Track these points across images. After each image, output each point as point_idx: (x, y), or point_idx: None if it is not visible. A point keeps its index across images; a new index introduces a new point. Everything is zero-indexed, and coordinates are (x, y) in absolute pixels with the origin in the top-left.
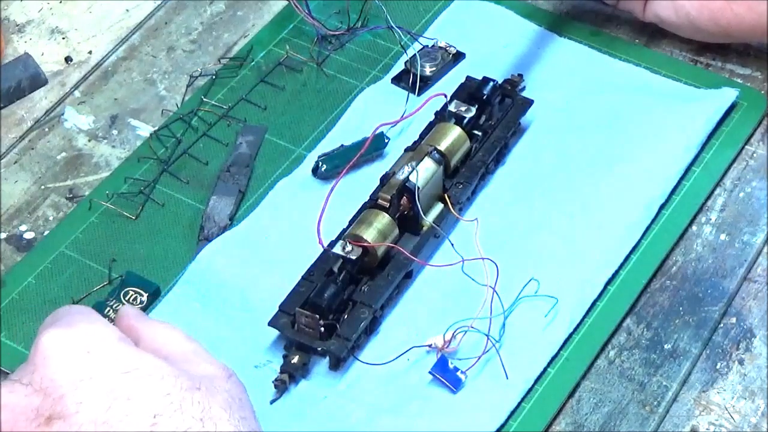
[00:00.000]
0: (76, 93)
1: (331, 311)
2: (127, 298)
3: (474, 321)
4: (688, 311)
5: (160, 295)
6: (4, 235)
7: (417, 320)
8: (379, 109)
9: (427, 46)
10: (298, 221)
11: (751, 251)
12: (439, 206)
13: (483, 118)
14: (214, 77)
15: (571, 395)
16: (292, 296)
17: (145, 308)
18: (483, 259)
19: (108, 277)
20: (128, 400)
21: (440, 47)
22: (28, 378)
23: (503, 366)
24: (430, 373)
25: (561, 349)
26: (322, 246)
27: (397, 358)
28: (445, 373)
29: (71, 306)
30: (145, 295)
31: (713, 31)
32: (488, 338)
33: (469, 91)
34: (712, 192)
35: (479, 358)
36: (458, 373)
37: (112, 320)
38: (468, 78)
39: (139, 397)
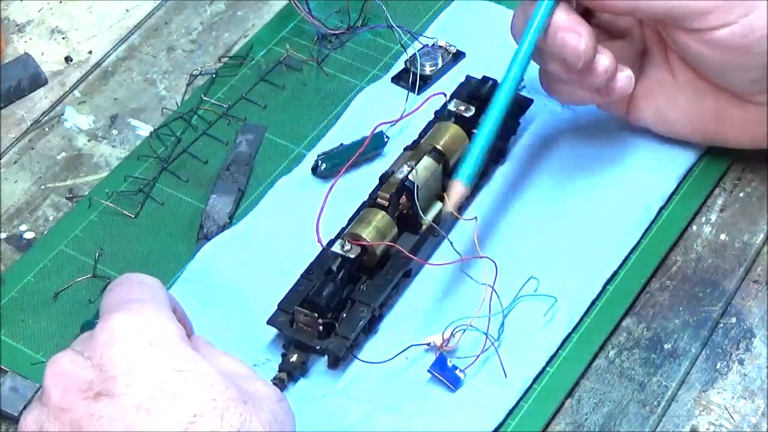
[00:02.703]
0: (76, 93)
1: (330, 310)
2: None
3: (473, 320)
4: (688, 311)
5: None
6: (4, 235)
7: (416, 319)
8: (379, 108)
9: (427, 45)
10: (297, 220)
11: (751, 251)
12: (439, 205)
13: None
14: (214, 76)
15: (570, 395)
16: (291, 295)
17: None
18: (482, 257)
19: (93, 271)
20: (173, 395)
21: (440, 46)
22: (89, 352)
23: (502, 365)
24: (428, 371)
25: (560, 348)
26: (321, 245)
27: (395, 356)
28: (444, 372)
29: (142, 278)
30: None
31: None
32: (487, 337)
33: (469, 90)
34: (712, 192)
35: (478, 356)
36: (457, 372)
37: None
38: (468, 77)
39: (184, 395)
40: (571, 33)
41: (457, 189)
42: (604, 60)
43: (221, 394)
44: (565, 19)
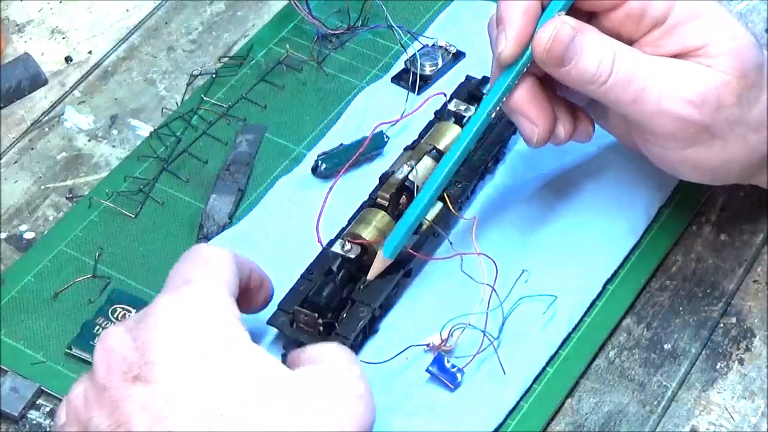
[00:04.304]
0: (76, 93)
1: (330, 310)
2: (115, 316)
3: (471, 319)
4: (688, 311)
5: None
6: (4, 235)
7: (416, 319)
8: (379, 108)
9: (427, 45)
10: (297, 220)
11: (751, 251)
12: (439, 205)
13: None
14: (214, 76)
15: (570, 395)
16: (291, 295)
17: None
18: (479, 254)
19: (93, 271)
20: (203, 390)
21: (440, 46)
22: (135, 333)
23: (501, 363)
24: (427, 371)
25: (560, 348)
26: (321, 245)
27: (394, 357)
28: (443, 371)
29: (209, 256)
30: (134, 311)
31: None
32: (485, 335)
33: (469, 90)
34: (712, 192)
35: (476, 354)
36: (455, 371)
37: None
38: (467, 77)
39: (214, 392)
40: (526, 121)
41: (378, 260)
42: (560, 131)
43: (258, 394)
44: (523, 102)
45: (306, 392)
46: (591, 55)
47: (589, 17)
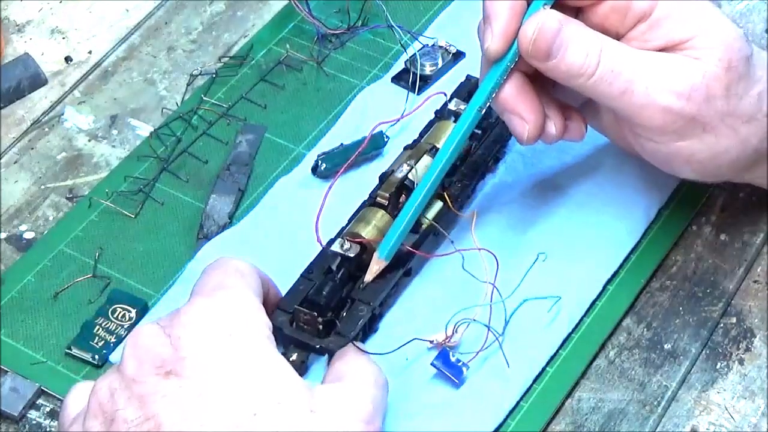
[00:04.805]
0: (76, 93)
1: (330, 309)
2: (115, 316)
3: (477, 312)
4: (688, 311)
5: (148, 310)
6: (4, 235)
7: (417, 318)
8: (379, 107)
9: (427, 45)
10: (297, 219)
11: (751, 251)
12: (439, 204)
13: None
14: (214, 76)
15: (570, 395)
16: (291, 294)
17: (134, 324)
18: (480, 249)
19: (93, 271)
20: (237, 390)
21: (440, 46)
22: (170, 330)
23: (505, 357)
24: (432, 364)
25: (560, 348)
26: (321, 244)
27: (397, 349)
28: (448, 365)
29: (238, 265)
30: (134, 311)
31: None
32: (489, 329)
33: (469, 89)
34: (712, 192)
35: (481, 349)
36: (461, 365)
37: (102, 338)
38: (468, 77)
39: (247, 392)
40: (516, 118)
41: (374, 261)
42: (551, 129)
43: (289, 400)
44: (511, 98)
45: (316, 412)
46: (577, 48)
47: (575, 13)
